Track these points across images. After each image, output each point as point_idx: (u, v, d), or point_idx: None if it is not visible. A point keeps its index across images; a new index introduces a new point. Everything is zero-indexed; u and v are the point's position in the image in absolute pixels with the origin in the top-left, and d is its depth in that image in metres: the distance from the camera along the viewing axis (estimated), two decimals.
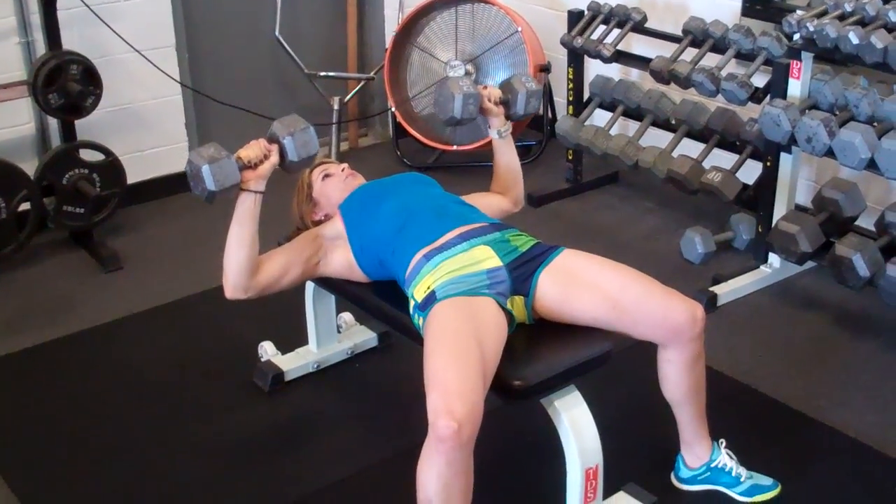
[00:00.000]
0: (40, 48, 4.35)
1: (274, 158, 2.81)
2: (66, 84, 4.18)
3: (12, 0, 4.34)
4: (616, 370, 2.84)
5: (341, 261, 3.00)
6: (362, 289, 3.04)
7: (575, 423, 2.59)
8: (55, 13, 4.20)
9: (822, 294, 4.06)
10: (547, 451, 2.81)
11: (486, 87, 3.14)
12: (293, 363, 3.53)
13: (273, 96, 5.42)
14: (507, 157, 3.24)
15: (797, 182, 4.04)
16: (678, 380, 2.76)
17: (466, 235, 2.76)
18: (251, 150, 2.78)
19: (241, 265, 2.81)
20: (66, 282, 4.27)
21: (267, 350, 3.57)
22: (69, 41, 4.30)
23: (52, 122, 4.50)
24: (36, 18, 4.33)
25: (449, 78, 3.10)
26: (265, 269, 2.88)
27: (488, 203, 3.20)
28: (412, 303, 2.71)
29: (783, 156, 3.94)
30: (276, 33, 5.22)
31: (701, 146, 4.43)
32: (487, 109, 3.13)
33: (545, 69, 5.21)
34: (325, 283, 3.19)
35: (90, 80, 4.25)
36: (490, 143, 3.26)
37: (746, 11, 4.58)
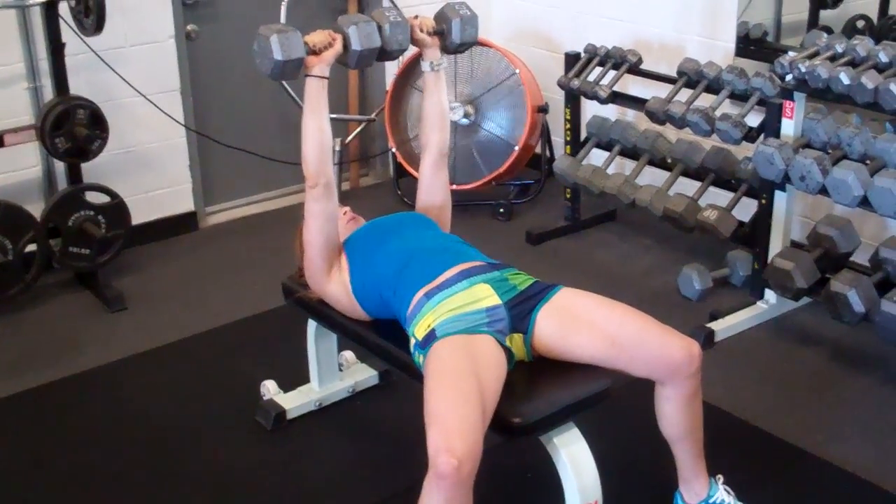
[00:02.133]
0: (48, 93, 4.42)
1: (338, 46, 2.90)
2: (73, 128, 4.24)
3: (21, 46, 4.42)
4: (614, 407, 2.87)
5: (344, 290, 3.05)
6: (363, 327, 3.08)
7: (574, 459, 2.62)
8: (63, 59, 4.27)
9: (818, 329, 4.09)
10: (546, 487, 2.83)
11: (416, 17, 3.12)
12: (295, 402, 3.56)
13: (275, 138, 5.48)
14: (436, 94, 3.21)
15: (792, 219, 4.09)
16: (676, 417, 2.79)
17: (466, 273, 2.80)
18: (317, 37, 2.89)
19: (319, 148, 2.91)
20: (71, 322, 4.31)
21: (269, 389, 3.60)
22: (76, 86, 4.36)
23: (59, 165, 4.56)
24: (44, 64, 4.39)
25: (376, 10, 3.02)
26: (332, 191, 2.98)
27: (427, 186, 3.27)
28: (413, 341, 2.75)
29: (778, 193, 3.99)
30: None
31: (697, 185, 4.49)
32: (420, 40, 3.11)
33: (543, 110, 5.28)
34: (327, 321, 3.23)
35: (97, 124, 4.31)
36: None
37: (740, 52, 4.65)
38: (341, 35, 2.90)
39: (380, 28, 2.97)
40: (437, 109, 3.23)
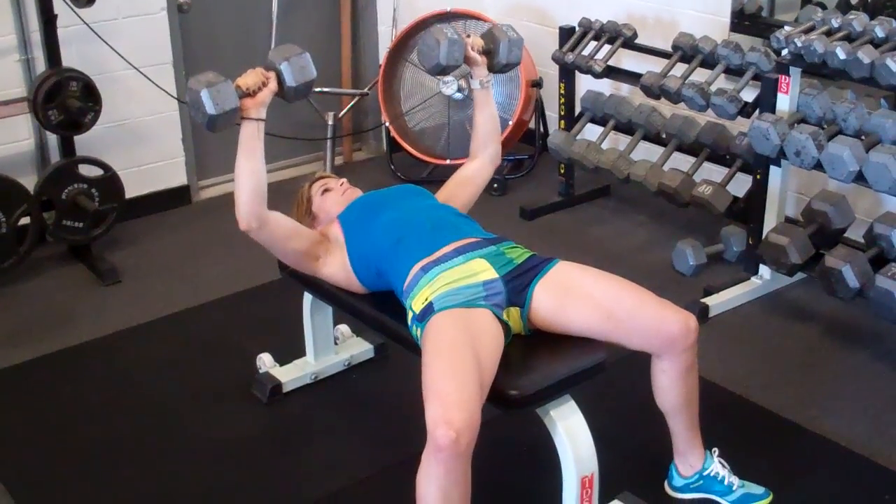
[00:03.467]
0: (40, 65, 4.40)
1: (272, 85, 2.84)
2: (65, 101, 4.22)
3: (13, 18, 4.39)
4: (610, 380, 2.89)
5: (339, 265, 3.05)
6: (359, 300, 3.08)
7: (570, 432, 2.63)
8: (55, 31, 4.25)
9: (812, 305, 4.10)
10: (543, 460, 2.84)
11: (468, 36, 3.17)
12: (291, 374, 3.57)
13: (268, 112, 5.43)
14: (487, 109, 3.27)
15: (786, 195, 4.10)
16: (671, 389, 2.79)
17: (463, 249, 2.80)
18: (249, 78, 2.82)
19: (253, 192, 2.84)
20: (64, 295, 4.30)
21: (265, 362, 3.60)
22: (69, 58, 4.34)
23: (52, 138, 4.54)
24: (36, 36, 4.38)
25: (434, 27, 3.11)
26: (278, 218, 2.94)
27: (464, 177, 3.28)
28: (410, 314, 2.75)
29: (772, 169, 3.99)
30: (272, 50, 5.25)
31: (691, 160, 4.49)
32: (471, 58, 3.16)
33: (537, 84, 5.27)
34: (323, 294, 3.23)
35: (89, 96, 4.29)
36: None
37: (735, 27, 4.65)
38: (274, 72, 2.85)
39: (438, 43, 3.02)
40: (490, 124, 3.28)
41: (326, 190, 3.25)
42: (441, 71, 3.11)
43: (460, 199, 3.24)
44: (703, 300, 4.06)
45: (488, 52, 3.19)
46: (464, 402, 2.34)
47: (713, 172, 4.42)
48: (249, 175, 2.84)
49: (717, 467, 2.95)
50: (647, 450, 3.15)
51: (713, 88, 4.17)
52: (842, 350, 3.83)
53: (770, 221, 4.06)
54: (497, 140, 3.32)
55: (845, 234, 3.90)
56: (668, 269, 4.38)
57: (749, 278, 4.22)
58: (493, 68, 3.22)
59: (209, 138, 5.22)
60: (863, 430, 3.34)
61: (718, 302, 4.07)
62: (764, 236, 3.94)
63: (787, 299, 4.17)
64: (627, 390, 3.22)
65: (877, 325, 3.88)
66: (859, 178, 3.47)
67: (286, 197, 3.32)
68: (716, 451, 2.97)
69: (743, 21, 4.65)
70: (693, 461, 2.94)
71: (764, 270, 4.17)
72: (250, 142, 2.83)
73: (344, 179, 3.30)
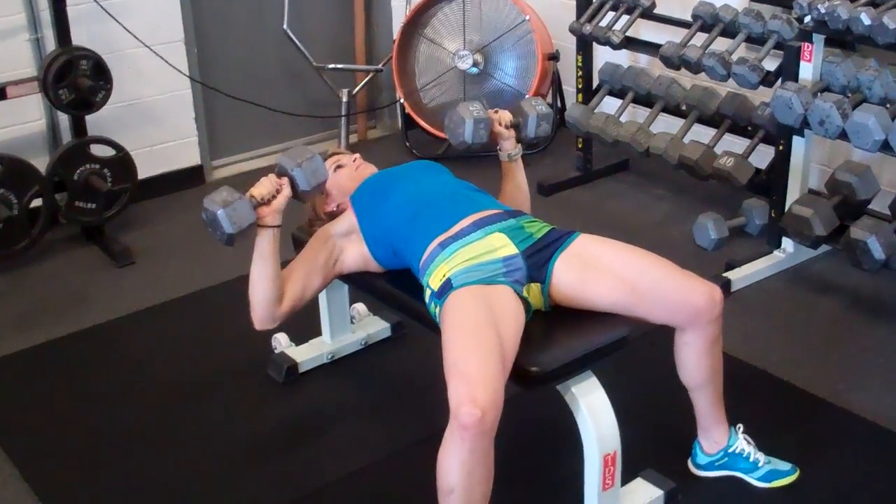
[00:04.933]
0: (50, 44, 4.35)
1: (286, 191, 2.81)
2: (76, 80, 4.17)
3: None
4: (633, 356, 2.86)
5: (356, 256, 3.00)
6: (376, 278, 3.04)
7: (592, 409, 2.59)
8: (65, 9, 4.20)
9: (837, 278, 4.04)
10: (565, 437, 2.80)
11: (496, 112, 3.13)
12: (307, 354, 3.53)
13: (282, 89, 5.42)
14: (516, 179, 3.22)
15: (810, 166, 4.03)
16: (696, 363, 2.75)
17: (481, 223, 2.75)
18: (263, 188, 2.78)
19: (267, 299, 2.84)
20: (78, 277, 4.27)
21: (280, 342, 3.56)
22: (79, 37, 4.29)
23: (63, 118, 4.50)
24: (46, 15, 4.33)
25: (460, 103, 3.10)
26: (287, 292, 2.89)
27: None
28: (428, 291, 2.71)
29: (796, 139, 3.92)
30: (285, 26, 5.21)
31: (712, 132, 4.42)
32: (498, 133, 3.12)
33: (554, 57, 5.20)
34: None
35: (100, 75, 4.25)
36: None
37: None
38: (287, 178, 2.81)
39: (463, 122, 3.01)
40: (518, 195, 3.21)
41: (339, 166, 3.19)
42: (467, 148, 3.10)
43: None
44: (725, 274, 4.00)
45: (516, 126, 3.16)
46: (488, 379, 2.31)
47: (734, 144, 4.35)
48: (267, 282, 2.83)
49: (743, 444, 2.90)
50: (671, 427, 3.11)
51: (734, 58, 4.10)
52: (868, 323, 3.77)
53: (793, 193, 3.99)
54: (527, 206, 3.22)
55: (870, 206, 3.84)
56: (690, 243, 4.32)
57: (772, 252, 4.15)
58: (521, 141, 3.19)
59: (222, 118, 5.23)
60: (891, 403, 3.28)
61: (741, 276, 4.01)
62: (787, 208, 3.88)
63: (811, 272, 4.11)
64: (650, 366, 3.18)
65: None
66: (885, 146, 3.41)
67: None
68: (740, 427, 2.93)
69: None
70: (718, 438, 2.90)
71: (787, 243, 4.11)
72: (267, 248, 2.80)
73: (357, 155, 3.25)
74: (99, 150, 4.40)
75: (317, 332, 3.59)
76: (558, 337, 2.68)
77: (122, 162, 4.44)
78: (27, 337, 3.80)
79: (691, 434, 2.94)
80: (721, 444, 2.90)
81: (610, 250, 2.74)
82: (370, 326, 3.68)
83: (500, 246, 2.69)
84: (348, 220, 3.03)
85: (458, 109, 3.07)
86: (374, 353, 3.65)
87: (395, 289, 2.98)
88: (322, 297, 3.47)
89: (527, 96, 3.22)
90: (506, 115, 3.15)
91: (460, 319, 2.51)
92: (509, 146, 3.15)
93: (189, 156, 5.09)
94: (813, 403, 3.29)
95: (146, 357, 3.71)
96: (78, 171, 4.32)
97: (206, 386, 3.51)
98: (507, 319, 2.51)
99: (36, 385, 3.56)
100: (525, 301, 2.64)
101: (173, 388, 3.50)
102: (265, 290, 2.83)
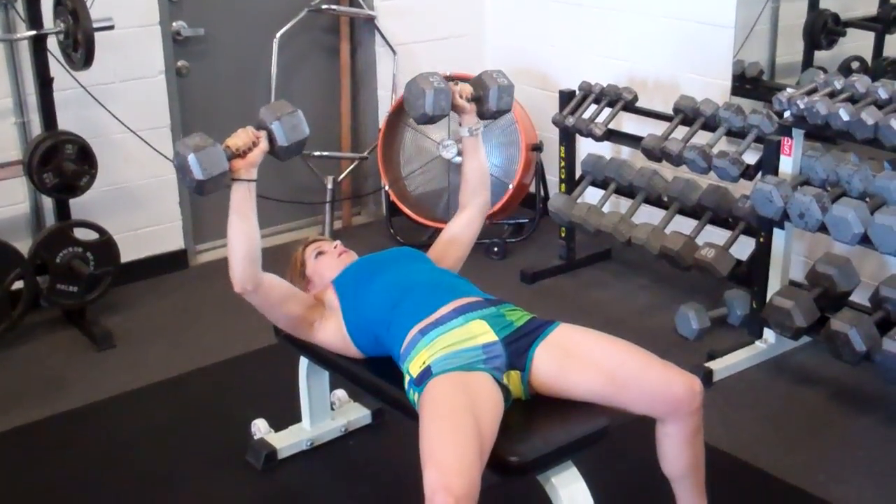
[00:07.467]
0: (36, 128, 4.38)
1: (263, 145, 2.79)
2: (60, 164, 4.19)
3: (9, 81, 4.39)
4: (614, 446, 2.82)
5: (335, 331, 2.99)
6: (356, 365, 3.02)
7: (573, 499, 2.57)
8: (51, 94, 4.22)
9: (818, 369, 4.04)
10: None
11: (457, 83, 3.13)
12: (286, 441, 3.50)
13: (267, 176, 5.34)
14: (476, 157, 3.23)
15: (790, 258, 4.05)
16: (677, 454, 2.73)
17: (462, 310, 2.75)
18: (238, 139, 2.77)
19: (245, 255, 2.80)
20: (58, 360, 4.24)
21: (260, 428, 3.53)
22: (65, 122, 4.31)
23: (47, 201, 4.51)
24: (32, 99, 4.35)
25: (419, 74, 3.06)
26: (273, 280, 2.91)
27: (453, 234, 3.25)
28: (407, 378, 2.70)
29: (776, 232, 3.95)
30: None
31: (693, 223, 4.45)
32: (459, 106, 3.12)
33: (537, 148, 5.25)
34: (319, 359, 3.17)
35: (85, 159, 4.26)
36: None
37: (736, 91, 4.64)
38: (265, 131, 2.81)
39: (423, 93, 2.97)
40: (478, 173, 3.24)
41: (321, 253, 3.20)
42: (427, 120, 3.07)
43: (452, 257, 3.21)
44: (706, 364, 3.99)
45: (477, 99, 3.15)
46: (463, 468, 2.29)
47: (716, 235, 4.38)
48: (242, 237, 2.79)
49: None
50: None
51: (715, 151, 4.14)
52: (849, 415, 3.76)
53: (774, 285, 4.00)
54: (486, 189, 3.27)
55: (851, 298, 3.86)
56: (671, 332, 4.33)
57: (753, 342, 4.16)
58: (483, 115, 3.19)
59: (206, 202, 5.18)
60: (871, 496, 3.27)
61: (722, 366, 4.00)
62: (768, 300, 3.89)
63: (793, 363, 4.10)
64: (631, 456, 3.16)
65: (883, 388, 3.82)
66: (864, 240, 3.43)
67: (285, 260, 3.27)
68: None
69: (744, 85, 4.66)
70: None
71: (768, 334, 4.11)
72: (242, 203, 2.78)
73: (338, 242, 3.26)
74: (82, 234, 4.40)
75: (297, 419, 3.55)
76: (538, 426, 2.66)
77: (105, 245, 4.43)
78: (5, 420, 3.76)
79: None
80: None
81: (590, 340, 2.74)
82: (350, 413, 3.65)
83: (480, 333, 2.69)
84: (331, 299, 3.03)
85: (418, 80, 3.03)
86: (355, 440, 3.61)
87: (375, 376, 2.96)
88: (302, 384, 3.45)
89: (488, 69, 3.18)
90: (466, 88, 3.14)
91: (438, 406, 2.49)
92: (470, 120, 3.16)
93: (173, 240, 5.09)
94: (794, 495, 3.27)
95: (125, 442, 3.66)
96: (60, 254, 4.30)
97: (185, 472, 3.47)
98: (485, 406, 2.50)
99: (11, 469, 3.51)
100: (505, 388, 2.63)
101: (151, 474, 3.46)
102: (242, 247, 2.79)
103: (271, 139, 2.80)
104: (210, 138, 2.71)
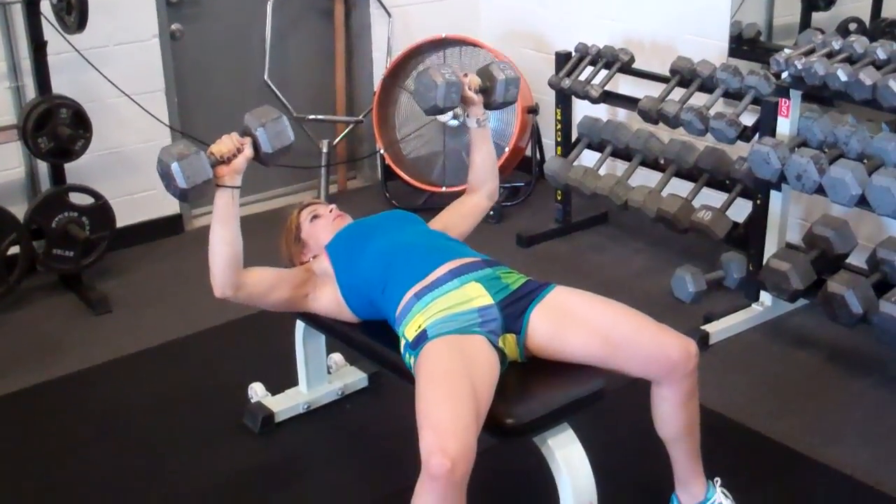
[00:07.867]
0: (30, 93, 4.36)
1: (248, 151, 2.78)
2: (55, 128, 4.17)
3: (2, 45, 4.36)
4: (610, 408, 2.82)
5: (330, 298, 2.99)
6: (352, 328, 3.02)
7: (568, 461, 2.58)
8: (45, 58, 4.21)
9: (814, 331, 4.04)
10: (540, 490, 2.78)
11: (466, 76, 3.13)
12: (283, 404, 3.51)
13: None
14: (484, 147, 3.24)
15: (787, 220, 4.05)
16: (672, 417, 2.74)
17: (457, 271, 2.75)
18: (223, 145, 2.75)
19: (225, 263, 2.78)
20: (54, 325, 4.24)
21: (257, 391, 3.54)
22: (59, 86, 4.29)
23: (42, 166, 4.50)
24: (26, 63, 4.34)
25: (431, 66, 3.07)
26: (255, 275, 2.87)
27: (462, 212, 3.25)
28: (403, 342, 2.70)
29: (773, 194, 3.94)
30: (265, 77, 5.24)
31: (690, 185, 4.44)
32: (468, 98, 3.12)
33: (533, 111, 5.23)
34: (315, 322, 3.17)
35: (80, 123, 4.25)
36: None
37: (733, 52, 4.61)
38: (250, 138, 2.79)
39: (435, 85, 2.98)
40: (487, 163, 3.25)
41: (315, 216, 3.19)
42: (437, 112, 3.08)
43: (457, 230, 3.20)
44: (703, 327, 4.00)
45: (485, 91, 3.16)
46: (459, 430, 2.29)
47: (712, 198, 4.36)
48: (225, 244, 2.78)
49: (720, 497, 2.88)
50: (648, 480, 3.09)
51: (712, 112, 4.12)
52: (845, 377, 3.77)
53: (771, 247, 4.00)
54: (495, 177, 3.29)
55: (847, 260, 3.86)
56: (668, 296, 4.33)
57: (750, 305, 4.16)
58: (489, 106, 3.20)
59: None
60: (867, 458, 3.28)
61: (719, 329, 4.01)
62: (765, 262, 3.89)
63: (789, 326, 4.11)
64: (627, 419, 3.16)
65: (880, 351, 3.83)
66: (862, 202, 3.42)
67: (278, 225, 3.26)
68: (718, 480, 2.91)
69: (741, 46, 4.62)
70: (695, 491, 2.87)
71: (765, 297, 4.11)
72: (225, 210, 2.76)
73: (333, 206, 3.25)
74: (78, 199, 4.39)
75: (293, 382, 3.56)
76: (534, 389, 2.66)
77: (101, 210, 4.43)
78: (2, 384, 3.77)
79: (669, 488, 2.92)
80: (699, 497, 2.87)
81: (586, 302, 2.74)
82: (347, 377, 3.66)
83: (475, 296, 2.69)
84: (324, 265, 3.03)
85: (430, 72, 3.04)
86: (351, 403, 3.62)
87: (371, 340, 2.96)
88: (299, 347, 3.46)
89: (495, 60, 3.18)
90: (475, 80, 3.15)
91: (434, 369, 2.49)
92: (477, 111, 3.17)
93: (168, 205, 5.07)
94: (790, 457, 3.28)
95: (122, 406, 3.67)
96: (56, 219, 4.30)
97: (181, 436, 3.48)
98: (481, 369, 2.51)
99: (6, 434, 3.52)
100: (500, 351, 2.63)
101: (148, 438, 3.47)
102: (223, 254, 2.77)
103: (256, 145, 2.79)
104: (193, 146, 2.69)
